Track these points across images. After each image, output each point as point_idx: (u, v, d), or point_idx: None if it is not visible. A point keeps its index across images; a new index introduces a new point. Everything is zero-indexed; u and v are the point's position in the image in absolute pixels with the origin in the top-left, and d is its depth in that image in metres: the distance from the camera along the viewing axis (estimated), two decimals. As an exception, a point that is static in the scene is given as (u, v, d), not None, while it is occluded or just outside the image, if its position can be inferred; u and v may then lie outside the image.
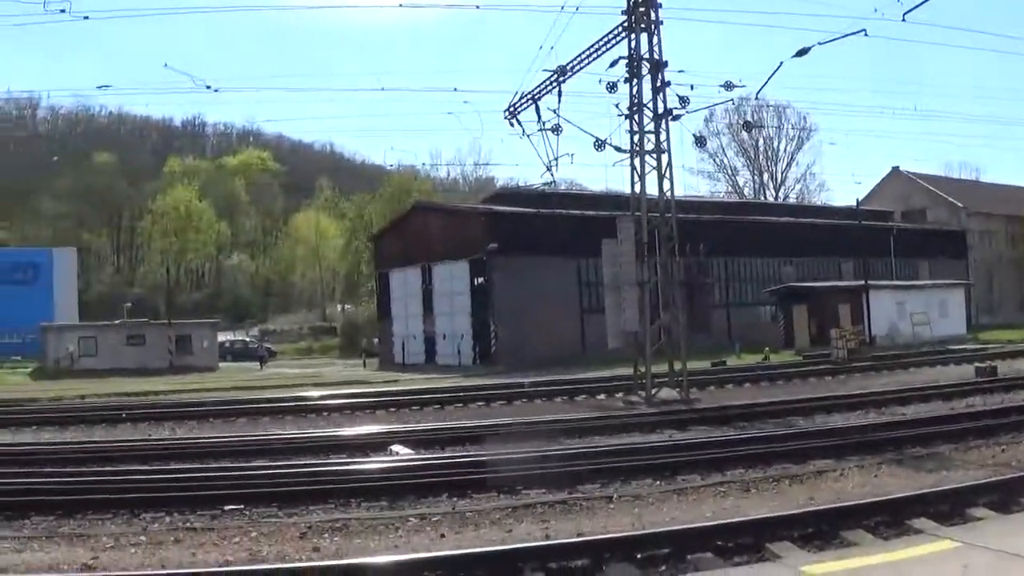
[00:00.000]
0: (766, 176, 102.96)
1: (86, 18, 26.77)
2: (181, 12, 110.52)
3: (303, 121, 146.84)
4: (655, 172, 27.41)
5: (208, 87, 31.48)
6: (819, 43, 26.30)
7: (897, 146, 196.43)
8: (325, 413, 25.68)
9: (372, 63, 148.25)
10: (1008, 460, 13.64)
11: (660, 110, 27.29)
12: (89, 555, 9.76)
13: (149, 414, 25.63)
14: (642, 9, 27.11)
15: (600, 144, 28.29)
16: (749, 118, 70.92)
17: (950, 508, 10.30)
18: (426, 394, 29.47)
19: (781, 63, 27.65)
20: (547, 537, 10.00)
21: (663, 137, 27.34)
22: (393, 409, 26.23)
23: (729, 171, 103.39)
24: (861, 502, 10.57)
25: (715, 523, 9.86)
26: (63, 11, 24.36)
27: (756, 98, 38.57)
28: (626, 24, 27.22)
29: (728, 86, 28.34)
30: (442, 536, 10.42)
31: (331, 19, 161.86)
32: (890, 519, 9.96)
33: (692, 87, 27.65)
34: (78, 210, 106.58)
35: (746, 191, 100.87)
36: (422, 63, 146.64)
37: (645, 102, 27.28)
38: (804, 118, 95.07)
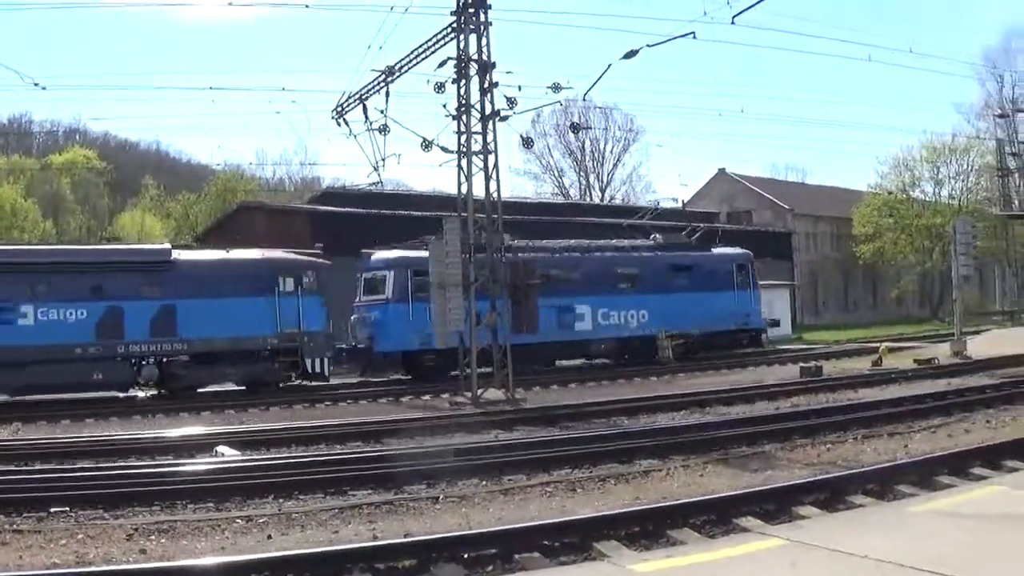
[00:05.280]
0: (592, 177, 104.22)
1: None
2: (6, 8, 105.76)
3: (129, 119, 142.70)
4: (482, 173, 27.33)
5: (36, 84, 30.23)
6: (648, 45, 26.33)
7: (724, 148, 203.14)
8: (150, 415, 25.09)
9: (199, 62, 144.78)
10: (833, 459, 13.93)
11: (487, 111, 27.18)
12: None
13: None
14: (471, 10, 26.93)
15: (427, 145, 27.95)
16: (576, 120, 71.19)
17: (776, 507, 10.39)
18: (254, 397, 28.70)
19: (609, 65, 27.76)
20: (374, 538, 9.96)
21: (490, 138, 27.26)
22: (217, 410, 25.71)
23: (555, 172, 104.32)
24: (687, 501, 10.61)
25: (541, 523, 9.80)
26: None
27: (584, 100, 38.71)
28: (455, 25, 27.02)
29: (556, 88, 28.29)
30: (269, 537, 10.34)
31: (156, 18, 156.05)
32: (717, 518, 10.00)
33: (520, 88, 27.49)
34: None
35: (572, 192, 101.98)
36: (249, 62, 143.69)
37: (473, 103, 27.10)
38: (631, 120, 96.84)
